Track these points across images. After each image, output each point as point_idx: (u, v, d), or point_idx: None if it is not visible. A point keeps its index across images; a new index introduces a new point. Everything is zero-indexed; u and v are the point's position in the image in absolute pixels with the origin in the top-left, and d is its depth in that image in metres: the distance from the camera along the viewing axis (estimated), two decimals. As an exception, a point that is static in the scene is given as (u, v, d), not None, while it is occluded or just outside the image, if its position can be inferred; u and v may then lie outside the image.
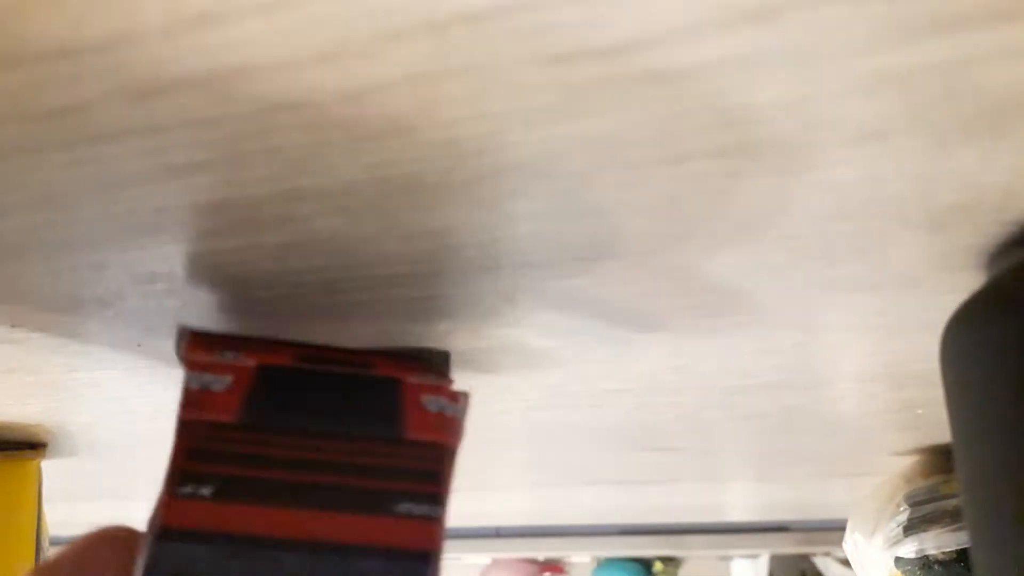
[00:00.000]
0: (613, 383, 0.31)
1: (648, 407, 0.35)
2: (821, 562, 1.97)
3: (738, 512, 0.71)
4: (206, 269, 0.20)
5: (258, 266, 0.20)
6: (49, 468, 0.42)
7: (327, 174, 0.15)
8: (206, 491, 0.20)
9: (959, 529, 0.42)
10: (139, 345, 0.26)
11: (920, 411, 0.35)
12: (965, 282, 0.21)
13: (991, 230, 0.18)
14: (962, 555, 0.42)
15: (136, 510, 0.71)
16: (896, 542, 0.44)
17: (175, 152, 0.15)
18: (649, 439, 0.41)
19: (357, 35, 0.12)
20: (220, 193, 0.16)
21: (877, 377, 0.30)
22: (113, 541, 0.21)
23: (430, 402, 0.22)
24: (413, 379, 0.22)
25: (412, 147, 0.15)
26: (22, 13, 0.11)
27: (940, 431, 0.41)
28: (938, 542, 0.42)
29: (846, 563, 1.88)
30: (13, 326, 0.25)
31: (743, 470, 0.51)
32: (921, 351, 0.27)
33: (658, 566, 2.07)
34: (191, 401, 0.21)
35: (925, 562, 0.43)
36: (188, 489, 0.20)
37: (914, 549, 0.43)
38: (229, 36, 0.12)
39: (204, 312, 0.22)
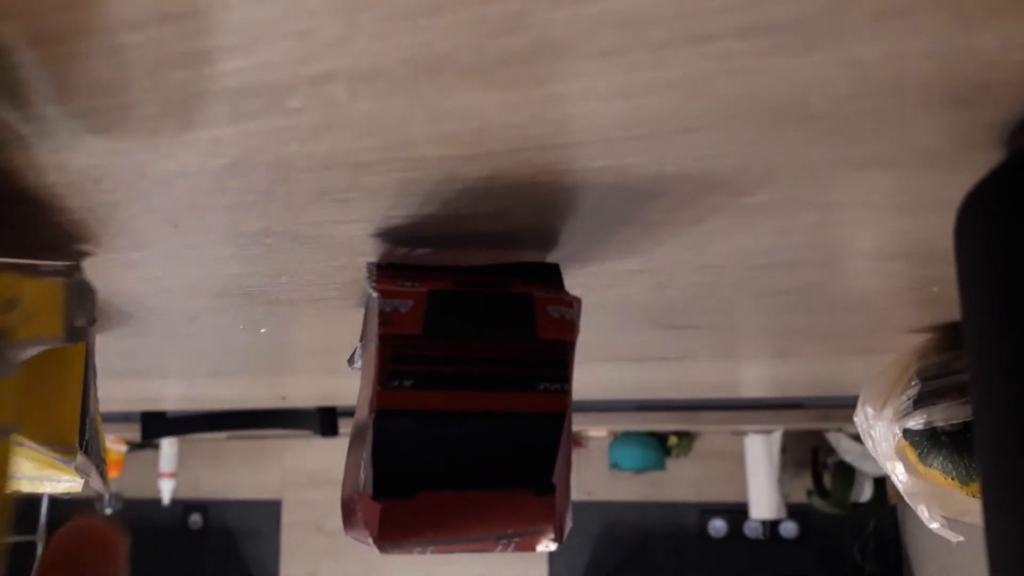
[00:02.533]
0: (633, 264, 0.32)
1: (667, 286, 0.35)
2: (833, 438, 2.02)
3: (753, 389, 0.73)
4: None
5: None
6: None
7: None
8: (407, 383, 0.28)
9: (968, 402, 0.43)
10: (176, 226, 0.27)
11: (936, 288, 0.36)
12: (984, 160, 0.21)
13: (1012, 107, 0.18)
14: (969, 427, 0.43)
15: (169, 388, 0.74)
16: (905, 414, 0.45)
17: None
18: (667, 317, 0.42)
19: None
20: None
21: (895, 255, 0.31)
22: (99, 542, 0.20)
23: (554, 310, 0.29)
24: (540, 293, 0.29)
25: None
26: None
27: (955, 309, 0.41)
28: (946, 414, 0.44)
29: (857, 439, 1.93)
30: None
31: (759, 347, 0.52)
32: (939, 229, 0.27)
33: (673, 440, 2.13)
34: (386, 320, 0.28)
35: (933, 434, 0.45)
36: (394, 383, 0.28)
37: (922, 421, 0.44)
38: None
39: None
